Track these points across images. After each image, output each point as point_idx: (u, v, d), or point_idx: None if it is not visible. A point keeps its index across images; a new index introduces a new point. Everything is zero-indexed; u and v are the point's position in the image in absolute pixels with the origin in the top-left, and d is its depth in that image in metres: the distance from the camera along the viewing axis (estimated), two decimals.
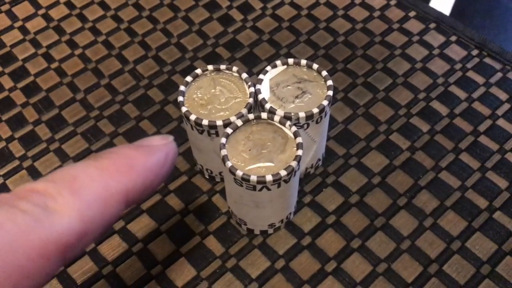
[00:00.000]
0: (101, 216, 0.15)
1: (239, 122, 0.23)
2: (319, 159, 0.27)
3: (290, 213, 0.25)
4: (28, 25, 0.34)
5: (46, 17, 0.34)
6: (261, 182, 0.21)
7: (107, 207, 0.15)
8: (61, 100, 0.31)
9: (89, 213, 0.14)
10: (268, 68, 0.25)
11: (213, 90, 0.25)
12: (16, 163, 0.28)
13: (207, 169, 0.27)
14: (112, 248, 0.25)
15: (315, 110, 0.23)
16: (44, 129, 0.30)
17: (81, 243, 0.14)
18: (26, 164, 0.28)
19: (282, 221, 0.25)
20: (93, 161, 0.15)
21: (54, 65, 0.32)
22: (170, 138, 0.18)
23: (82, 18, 0.34)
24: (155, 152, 0.17)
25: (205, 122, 0.23)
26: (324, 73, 0.25)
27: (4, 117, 0.30)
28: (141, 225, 0.26)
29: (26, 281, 0.13)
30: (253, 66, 0.32)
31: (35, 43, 0.33)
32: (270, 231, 0.25)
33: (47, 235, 0.13)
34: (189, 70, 0.31)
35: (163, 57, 0.32)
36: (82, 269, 0.25)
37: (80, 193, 0.14)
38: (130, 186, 0.15)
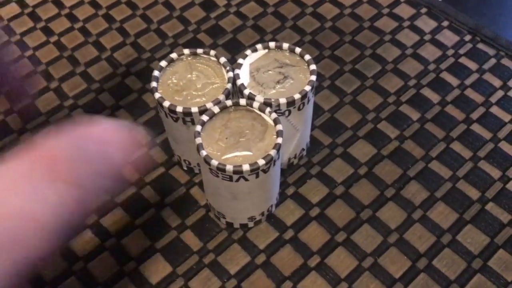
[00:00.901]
0: None
1: (216, 109, 0.22)
2: (303, 149, 0.26)
3: (271, 206, 0.24)
4: (2, 11, 0.33)
5: (21, 3, 0.33)
6: (238, 172, 0.20)
7: None
8: (35, 89, 0.29)
9: None
10: (248, 52, 0.24)
11: (189, 76, 0.23)
12: None
13: (184, 160, 0.25)
14: (83, 243, 0.24)
15: (297, 96, 0.22)
16: (15, 119, 0.28)
17: None
18: None
19: (263, 213, 0.24)
20: None
21: (28, 52, 0.31)
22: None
23: (58, 4, 0.33)
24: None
25: (179, 109, 0.22)
26: (307, 57, 0.23)
27: None
28: (115, 219, 0.24)
29: None
30: (236, 52, 0.30)
31: (9, 30, 0.32)
32: (251, 224, 0.24)
33: None
34: None
35: (142, 44, 0.31)
36: (52, 266, 0.23)
37: None
38: None
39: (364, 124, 0.27)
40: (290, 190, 0.25)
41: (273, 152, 0.20)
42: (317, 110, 0.28)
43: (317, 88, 0.28)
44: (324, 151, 0.26)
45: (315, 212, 0.24)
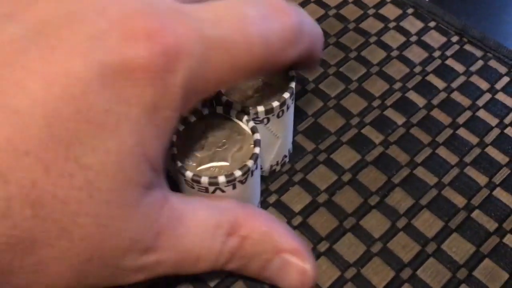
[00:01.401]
0: None
1: (191, 118, 0.21)
2: (285, 156, 0.25)
3: None
4: None
5: None
6: (213, 183, 0.19)
7: None
8: None
9: None
10: None
11: None
12: None
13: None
14: None
15: (275, 104, 0.21)
16: None
17: None
18: None
19: None
20: None
21: None
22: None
23: None
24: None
25: None
26: None
27: None
28: None
29: None
30: None
31: None
32: None
33: None
34: None
35: None
36: None
37: None
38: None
39: (348, 129, 0.27)
40: (272, 198, 0.24)
41: (250, 163, 0.20)
42: (301, 114, 0.27)
43: (300, 92, 0.28)
44: (307, 157, 0.26)
45: (297, 221, 0.24)
